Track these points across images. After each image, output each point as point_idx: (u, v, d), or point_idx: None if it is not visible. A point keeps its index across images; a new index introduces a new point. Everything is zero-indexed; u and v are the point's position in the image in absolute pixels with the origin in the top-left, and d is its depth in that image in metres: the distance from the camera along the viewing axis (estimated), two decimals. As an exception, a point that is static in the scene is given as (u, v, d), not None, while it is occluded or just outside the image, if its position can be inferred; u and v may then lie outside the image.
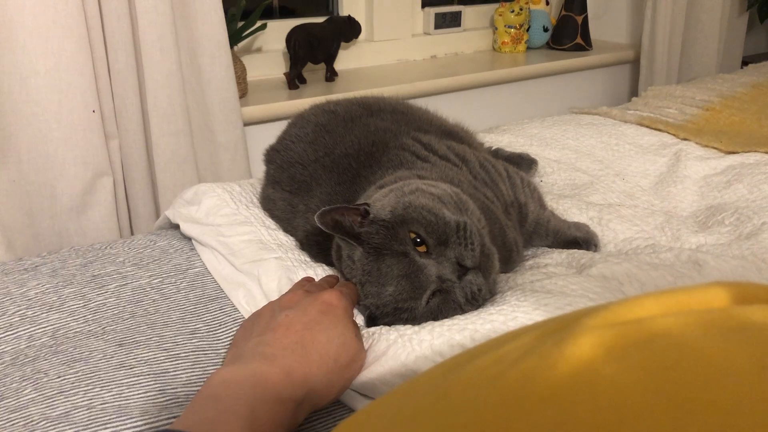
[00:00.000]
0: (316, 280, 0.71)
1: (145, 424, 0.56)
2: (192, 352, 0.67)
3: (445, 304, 0.61)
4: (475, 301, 0.62)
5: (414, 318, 0.61)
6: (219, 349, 0.67)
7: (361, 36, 1.79)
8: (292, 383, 0.50)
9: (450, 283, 0.61)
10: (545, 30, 2.13)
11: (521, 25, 2.06)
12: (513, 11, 2.03)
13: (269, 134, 0.92)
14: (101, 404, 0.58)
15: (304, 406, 0.51)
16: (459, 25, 2.04)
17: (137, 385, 0.61)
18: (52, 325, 0.71)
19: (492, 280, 0.65)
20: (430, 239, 0.60)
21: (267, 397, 0.48)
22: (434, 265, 0.60)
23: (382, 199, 0.65)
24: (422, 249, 0.61)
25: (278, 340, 0.54)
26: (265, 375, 0.50)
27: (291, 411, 0.49)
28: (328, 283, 0.68)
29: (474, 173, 0.79)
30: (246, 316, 0.72)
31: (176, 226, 0.92)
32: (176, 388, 0.61)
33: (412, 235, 0.61)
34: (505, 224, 0.73)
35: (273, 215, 0.86)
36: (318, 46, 1.61)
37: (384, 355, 0.57)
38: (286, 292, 0.65)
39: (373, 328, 0.62)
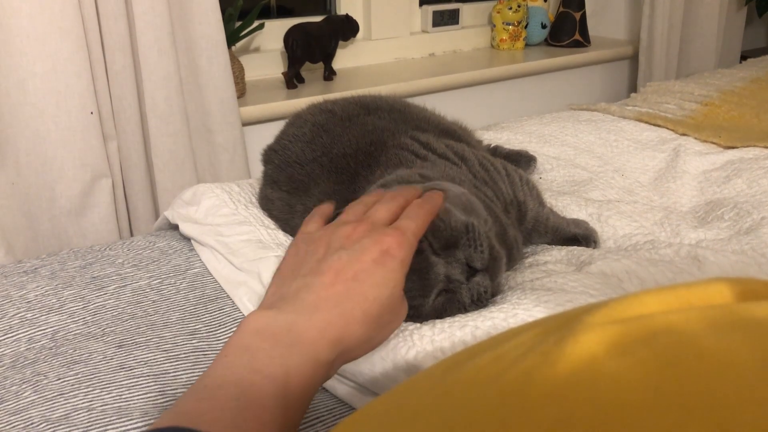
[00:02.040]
0: None
1: (145, 426, 0.56)
2: (192, 352, 0.66)
3: (450, 304, 0.61)
4: (480, 302, 0.62)
5: (419, 316, 0.61)
6: (219, 350, 0.67)
7: (359, 35, 1.79)
8: (329, 343, 0.47)
9: (458, 283, 0.60)
10: (543, 27, 2.13)
11: (519, 22, 2.06)
12: (511, 8, 2.03)
13: (268, 134, 0.92)
14: (101, 406, 0.58)
15: (337, 363, 0.49)
16: (457, 22, 2.04)
17: (137, 387, 0.61)
18: (51, 327, 0.71)
19: (497, 282, 0.65)
20: (436, 242, 0.60)
21: (303, 357, 0.45)
22: (443, 265, 0.60)
23: None
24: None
25: (324, 287, 0.50)
26: (304, 332, 0.47)
27: (324, 370, 0.47)
28: (399, 204, 0.60)
29: (473, 172, 0.79)
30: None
31: (175, 227, 0.92)
32: (176, 389, 0.61)
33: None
34: (505, 223, 0.73)
35: (271, 215, 0.85)
36: (316, 45, 1.61)
37: (385, 348, 0.57)
38: (346, 216, 0.58)
39: None
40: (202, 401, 0.42)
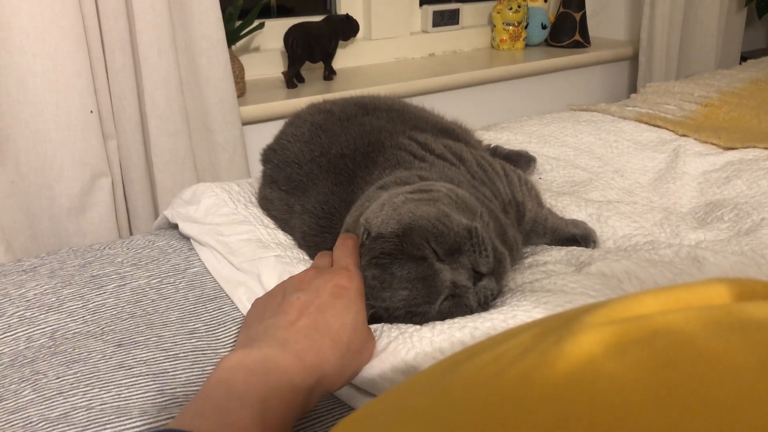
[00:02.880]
0: None
1: (144, 425, 0.56)
2: (191, 352, 0.66)
3: (456, 308, 0.61)
4: (487, 305, 0.62)
5: (425, 321, 0.61)
6: (218, 349, 0.67)
7: (359, 34, 1.79)
8: (304, 369, 0.49)
9: (465, 289, 0.60)
10: (543, 27, 2.13)
11: (519, 23, 2.06)
12: (511, 8, 2.03)
13: (268, 133, 0.92)
14: (100, 405, 0.58)
15: (316, 391, 0.50)
16: (457, 22, 2.04)
17: (136, 386, 0.61)
18: (50, 326, 0.71)
19: (502, 283, 0.64)
20: (440, 249, 0.60)
21: (279, 384, 0.47)
22: (448, 271, 0.60)
23: (378, 213, 0.63)
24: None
25: (291, 323, 0.52)
26: (278, 361, 0.48)
27: (303, 398, 0.48)
28: (341, 257, 0.63)
29: (472, 172, 0.79)
30: (246, 315, 0.72)
31: (175, 226, 0.92)
32: (175, 388, 0.61)
33: (426, 242, 0.60)
34: (504, 223, 0.73)
35: (270, 215, 0.85)
36: (316, 44, 1.61)
37: (384, 351, 0.57)
38: (298, 273, 0.63)
39: (375, 325, 0.61)
40: (183, 428, 0.43)
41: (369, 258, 0.61)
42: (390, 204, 0.63)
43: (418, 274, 0.59)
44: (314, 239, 0.76)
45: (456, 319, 0.59)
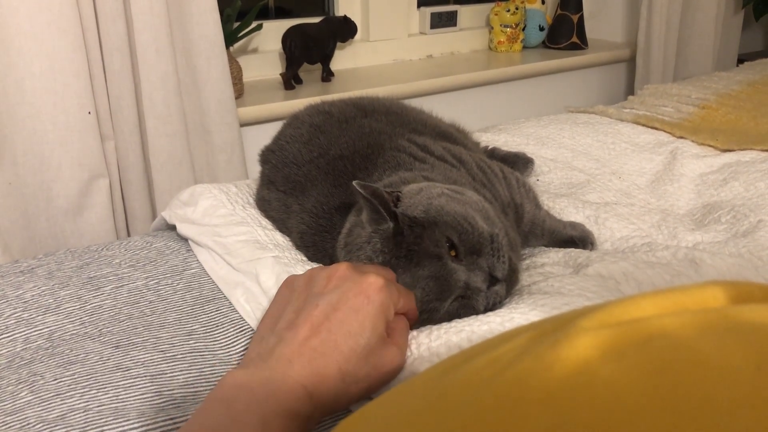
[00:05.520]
0: None
1: (141, 426, 0.56)
2: (189, 353, 0.66)
3: (463, 309, 0.61)
4: (493, 310, 0.62)
5: (432, 320, 0.61)
6: (216, 351, 0.67)
7: (357, 36, 1.79)
8: (305, 396, 0.48)
9: (477, 291, 0.61)
10: (541, 29, 2.13)
11: (517, 25, 2.06)
12: (509, 10, 2.03)
13: (266, 135, 0.92)
14: (98, 406, 0.58)
15: (315, 417, 0.50)
16: (455, 24, 2.04)
17: (134, 387, 0.61)
18: (48, 327, 0.71)
19: (510, 293, 0.65)
20: (462, 247, 0.60)
21: (279, 410, 0.47)
22: (464, 272, 0.60)
23: (413, 195, 0.63)
24: (452, 253, 0.61)
25: (299, 342, 0.51)
26: (279, 386, 0.48)
27: (302, 423, 0.48)
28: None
29: (472, 174, 0.79)
30: (245, 316, 0.72)
31: (173, 228, 0.92)
32: (173, 389, 0.61)
33: (446, 240, 0.60)
34: (505, 225, 0.74)
35: (268, 215, 0.85)
36: (314, 46, 1.61)
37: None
38: (334, 265, 0.58)
39: None
40: None
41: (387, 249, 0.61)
42: (427, 192, 0.64)
43: (431, 273, 0.59)
44: (313, 238, 0.76)
45: (453, 323, 0.59)
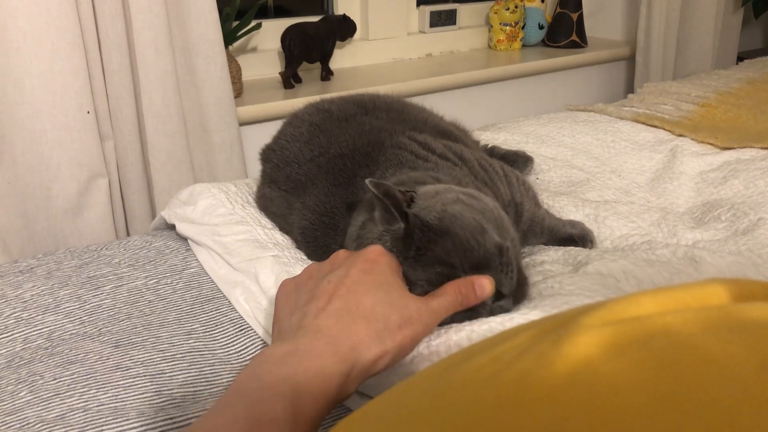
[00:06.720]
0: None
1: (141, 426, 0.56)
2: (188, 352, 0.66)
3: (468, 318, 0.60)
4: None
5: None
6: (215, 350, 0.67)
7: (357, 35, 1.79)
8: (337, 355, 0.48)
9: (482, 305, 0.60)
10: (540, 27, 2.13)
11: (516, 23, 2.06)
12: (508, 9, 2.03)
13: (265, 134, 0.92)
14: (97, 406, 0.58)
15: (352, 376, 0.49)
16: (454, 23, 2.04)
17: (133, 387, 0.60)
18: (47, 327, 0.71)
19: (518, 306, 0.64)
20: (466, 264, 0.59)
21: (311, 373, 0.46)
22: None
23: (428, 198, 0.63)
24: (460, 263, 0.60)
25: (322, 309, 0.51)
26: (308, 350, 0.48)
27: (337, 384, 0.47)
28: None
29: (474, 173, 0.79)
30: (244, 315, 0.72)
31: (172, 227, 0.92)
32: (173, 389, 0.61)
33: (455, 253, 0.59)
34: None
35: (269, 212, 0.85)
36: (313, 45, 1.60)
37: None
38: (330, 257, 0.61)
39: None
40: (216, 418, 0.43)
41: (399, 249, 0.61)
42: (442, 196, 0.63)
43: (440, 279, 0.59)
44: (314, 234, 0.76)
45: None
